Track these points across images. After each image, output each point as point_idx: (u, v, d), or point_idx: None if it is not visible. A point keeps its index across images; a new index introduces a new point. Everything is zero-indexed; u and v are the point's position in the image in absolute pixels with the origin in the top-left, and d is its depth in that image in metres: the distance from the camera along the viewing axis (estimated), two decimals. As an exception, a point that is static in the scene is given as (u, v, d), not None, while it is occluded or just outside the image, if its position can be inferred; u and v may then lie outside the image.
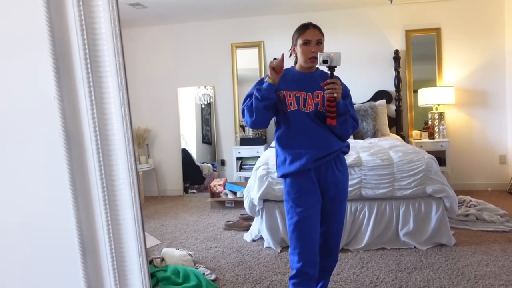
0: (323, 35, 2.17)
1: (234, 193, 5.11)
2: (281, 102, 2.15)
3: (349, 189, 3.45)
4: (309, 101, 2.12)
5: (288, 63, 2.21)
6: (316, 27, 2.17)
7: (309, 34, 2.13)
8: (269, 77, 2.06)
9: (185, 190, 6.12)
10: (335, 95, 2.03)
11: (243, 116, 2.21)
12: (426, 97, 5.22)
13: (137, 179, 1.22)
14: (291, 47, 2.24)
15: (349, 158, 3.49)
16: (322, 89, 2.12)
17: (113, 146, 1.18)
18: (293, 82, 2.16)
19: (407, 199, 3.44)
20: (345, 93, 2.19)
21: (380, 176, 3.46)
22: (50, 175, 1.20)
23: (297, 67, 2.23)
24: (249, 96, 2.20)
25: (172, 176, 6.16)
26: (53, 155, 1.18)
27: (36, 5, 1.11)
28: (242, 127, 5.98)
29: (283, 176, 2.20)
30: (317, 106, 2.13)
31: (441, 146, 5.11)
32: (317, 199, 2.15)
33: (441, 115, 5.21)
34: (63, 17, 1.13)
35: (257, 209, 3.60)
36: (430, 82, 5.42)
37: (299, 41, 2.14)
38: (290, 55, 2.28)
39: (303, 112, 2.12)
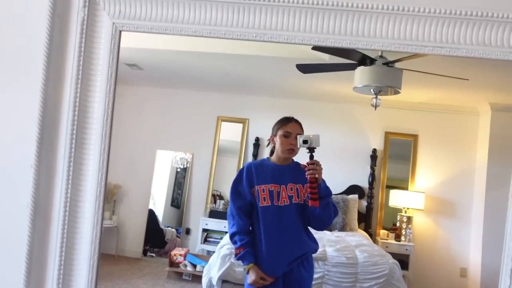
0: (303, 131, 2.23)
1: (194, 266, 4.95)
2: (254, 197, 2.16)
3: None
4: (283, 193, 2.13)
5: (266, 152, 2.27)
6: (298, 122, 2.23)
7: (290, 127, 2.18)
8: (248, 268, 2.13)
9: (144, 252, 5.91)
10: (316, 175, 2.04)
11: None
12: (397, 198, 5.33)
13: (98, 261, 1.18)
14: (270, 137, 2.28)
15: (315, 252, 3.47)
16: (295, 182, 2.14)
17: (81, 225, 1.15)
18: (267, 174, 2.17)
19: (367, 303, 3.39)
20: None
21: (343, 274, 3.43)
22: (8, 244, 1.15)
23: (273, 158, 2.26)
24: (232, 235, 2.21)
25: (134, 236, 5.96)
26: (16, 224, 1.14)
27: (35, 75, 1.13)
28: (214, 197, 5.93)
29: None
30: (291, 198, 2.13)
31: (406, 249, 5.14)
32: None
33: (409, 218, 5.29)
34: (59, 90, 1.15)
35: (214, 289, 3.48)
36: (403, 181, 5.57)
37: (280, 132, 2.18)
38: (268, 144, 2.34)
39: (276, 206, 2.11)
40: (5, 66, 1.17)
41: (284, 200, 2.12)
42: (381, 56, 3.17)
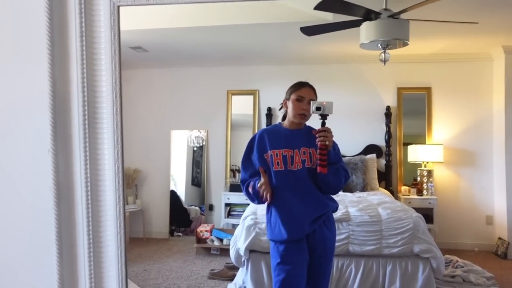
0: (316, 96, 2.22)
1: (221, 240, 5.04)
2: (267, 163, 2.17)
3: (337, 244, 3.42)
4: (297, 158, 2.14)
5: (280, 115, 2.28)
6: (311, 87, 2.22)
7: (304, 92, 2.18)
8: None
9: (171, 232, 6.03)
10: (327, 143, 2.05)
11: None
12: (415, 153, 5.29)
13: (125, 236, 1.21)
14: (283, 100, 2.28)
15: (337, 213, 3.48)
16: (308, 146, 2.15)
17: (104, 202, 1.18)
18: (280, 139, 2.19)
19: (394, 258, 3.42)
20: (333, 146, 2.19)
21: (368, 232, 3.45)
22: (37, 228, 1.19)
23: (285, 122, 2.27)
24: (244, 182, 2.23)
25: (159, 218, 6.07)
26: (42, 209, 1.17)
27: (40, 61, 1.14)
28: (233, 172, 5.98)
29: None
30: (304, 163, 2.14)
31: (429, 203, 5.14)
32: (305, 258, 2.14)
33: (429, 172, 5.27)
34: (65, 72, 1.16)
35: (242, 259, 3.54)
36: (420, 137, 5.52)
37: (293, 96, 2.19)
38: (280, 108, 2.34)
39: (290, 171, 2.13)
40: (10, 56, 1.18)
41: (297, 165, 2.14)
42: (385, 9, 3.10)
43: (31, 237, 1.20)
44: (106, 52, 1.13)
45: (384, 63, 3.32)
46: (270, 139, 2.19)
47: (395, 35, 3.09)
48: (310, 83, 2.26)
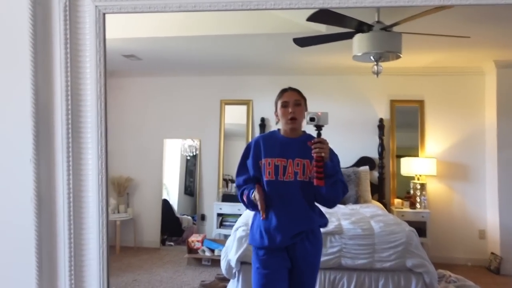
0: (302, 97, 2.19)
1: (212, 250, 4.98)
2: (260, 170, 2.14)
3: (329, 257, 3.41)
4: (289, 168, 2.10)
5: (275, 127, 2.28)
6: (294, 89, 2.20)
7: (286, 96, 2.16)
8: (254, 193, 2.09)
9: (163, 242, 5.97)
10: (323, 154, 1.97)
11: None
12: (408, 166, 5.29)
13: (107, 249, 1.18)
14: (274, 113, 2.25)
15: (330, 226, 3.45)
16: (302, 157, 2.09)
17: (86, 214, 1.14)
18: (275, 147, 2.15)
19: (387, 272, 3.38)
20: (332, 158, 2.09)
21: (360, 246, 3.42)
22: (17, 239, 1.15)
23: (282, 131, 2.24)
24: (238, 187, 2.22)
25: (151, 227, 6.01)
26: (22, 219, 1.14)
27: (23, 68, 1.11)
28: (226, 182, 5.94)
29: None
30: (296, 175, 2.09)
31: (422, 216, 5.12)
32: (285, 264, 2.12)
33: (422, 185, 5.26)
34: (49, 81, 1.13)
35: (233, 271, 3.50)
36: (413, 150, 5.52)
37: (279, 105, 2.18)
38: (277, 122, 2.30)
39: (281, 181, 2.09)
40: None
41: (289, 176, 2.09)
42: (378, 22, 3.10)
43: (10, 249, 1.16)
44: (91, 60, 1.11)
45: (377, 75, 3.32)
46: (265, 147, 2.16)
47: (388, 47, 3.09)
48: (304, 93, 2.23)
